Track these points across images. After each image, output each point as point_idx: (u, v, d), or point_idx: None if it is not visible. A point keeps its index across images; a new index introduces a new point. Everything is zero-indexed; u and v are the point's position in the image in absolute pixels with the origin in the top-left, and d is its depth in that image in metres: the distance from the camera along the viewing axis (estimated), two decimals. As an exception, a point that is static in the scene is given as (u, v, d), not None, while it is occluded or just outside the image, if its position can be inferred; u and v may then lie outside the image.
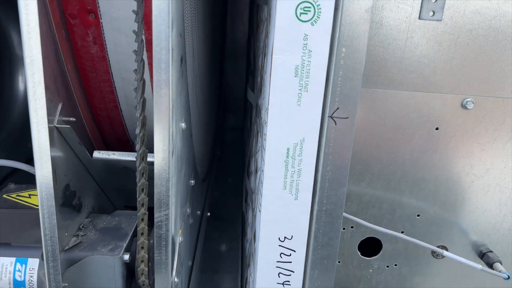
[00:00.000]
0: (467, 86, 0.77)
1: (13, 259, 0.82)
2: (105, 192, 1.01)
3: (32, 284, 0.81)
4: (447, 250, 0.86)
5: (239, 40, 2.43)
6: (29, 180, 1.38)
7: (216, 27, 1.65)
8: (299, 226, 0.70)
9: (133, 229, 0.87)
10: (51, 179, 0.67)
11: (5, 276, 0.81)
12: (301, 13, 0.59)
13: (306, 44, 0.60)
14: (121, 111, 0.88)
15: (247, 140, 1.61)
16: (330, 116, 0.64)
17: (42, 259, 0.80)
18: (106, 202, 1.04)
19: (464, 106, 0.77)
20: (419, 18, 0.72)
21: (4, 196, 0.84)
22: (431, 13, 0.72)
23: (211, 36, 1.42)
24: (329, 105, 0.63)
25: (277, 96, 0.63)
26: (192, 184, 1.00)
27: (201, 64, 1.13)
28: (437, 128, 0.79)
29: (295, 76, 0.62)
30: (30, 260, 0.81)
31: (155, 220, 0.70)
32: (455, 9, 0.72)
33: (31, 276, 0.81)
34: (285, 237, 0.70)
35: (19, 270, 0.81)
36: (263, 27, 1.02)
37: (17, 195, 0.84)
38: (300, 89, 0.62)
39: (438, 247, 0.87)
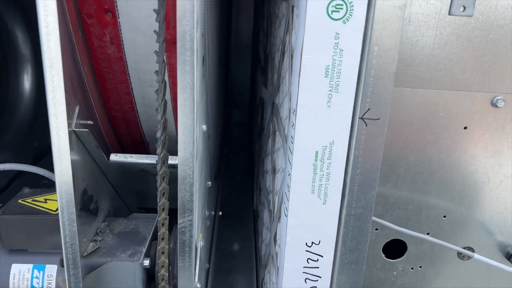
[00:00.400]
0: (498, 84, 0.74)
1: (31, 266, 0.80)
2: (121, 195, 0.99)
3: (50, 291, 0.79)
4: (473, 251, 0.84)
5: (244, 34, 2.40)
6: (36, 181, 1.37)
7: (222, 22, 1.62)
8: (327, 231, 0.68)
9: (151, 233, 0.85)
10: (72, 185, 0.65)
11: (23, 284, 0.79)
12: (332, 11, 0.56)
13: (338, 43, 0.58)
14: (137, 112, 0.86)
15: (257, 137, 1.59)
16: (361, 118, 0.62)
17: (61, 266, 0.78)
18: (121, 204, 1.03)
19: (494, 104, 0.75)
20: (449, 14, 0.69)
21: (20, 201, 0.82)
22: (462, 9, 0.69)
23: (219, 32, 1.40)
24: (360, 106, 0.61)
25: (306, 97, 0.60)
26: (209, 186, 0.98)
27: (212, 62, 1.11)
28: (465, 127, 0.77)
29: (325, 76, 0.59)
30: (48, 266, 0.80)
31: (178, 226, 0.68)
32: (487, 4, 0.69)
33: (49, 283, 0.79)
34: (312, 242, 0.68)
35: (36, 277, 0.79)
36: (280, 23, 0.99)
37: (33, 200, 0.82)
38: (330, 90, 0.60)
39: (464, 248, 0.85)
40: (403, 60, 0.72)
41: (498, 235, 0.85)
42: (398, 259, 0.86)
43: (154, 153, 0.90)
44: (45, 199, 0.82)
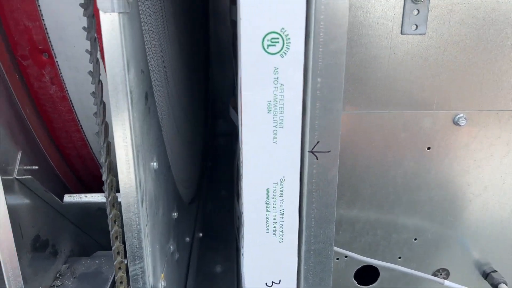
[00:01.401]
0: (458, 102, 0.71)
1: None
2: (87, 232, 0.96)
3: None
4: (448, 273, 0.81)
5: (225, 41, 2.36)
6: None
7: (196, 30, 1.58)
8: (287, 269, 0.64)
9: (113, 274, 0.82)
10: (12, 237, 0.61)
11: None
12: (268, 45, 0.53)
13: (277, 78, 0.55)
14: (91, 148, 0.83)
15: (236, 157, 1.54)
16: (311, 151, 0.59)
17: (16, 318, 0.74)
18: (89, 240, 0.99)
19: (456, 123, 0.72)
20: (401, 33, 0.66)
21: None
22: (414, 27, 0.66)
23: (190, 41, 1.36)
24: (309, 139, 0.58)
25: (251, 135, 0.57)
26: (175, 217, 0.95)
27: (178, 81, 1.07)
28: (429, 148, 0.74)
29: (268, 112, 0.56)
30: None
31: (130, 274, 0.65)
32: (440, 21, 0.66)
33: (6, 336, 0.75)
34: (272, 282, 0.65)
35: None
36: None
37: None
38: (275, 126, 0.57)
39: (439, 270, 0.81)
40: (357, 82, 0.69)
41: (473, 253, 0.82)
42: (371, 286, 0.83)
43: (103, 188, 0.87)
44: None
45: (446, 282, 0.72)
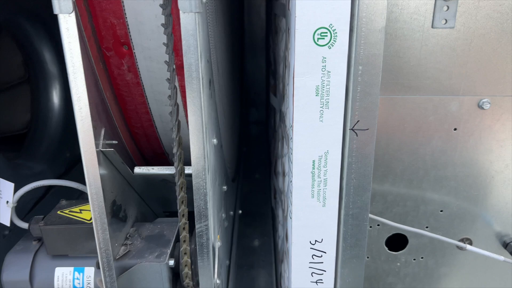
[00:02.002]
0: (483, 88, 0.79)
1: (72, 269, 0.91)
2: (146, 202, 1.10)
3: (89, 290, 0.90)
4: (471, 242, 0.90)
5: (257, 34, 2.45)
6: (70, 190, 1.50)
7: (234, 24, 1.70)
8: (328, 230, 0.75)
9: (174, 236, 0.95)
10: (102, 200, 0.75)
11: (66, 284, 0.90)
12: (318, 38, 0.64)
13: (325, 66, 0.65)
14: (156, 128, 0.95)
15: (272, 139, 1.67)
16: (352, 129, 0.69)
17: (97, 268, 0.89)
18: (147, 209, 1.13)
19: (480, 107, 0.80)
20: (432, 27, 0.75)
21: (59, 212, 0.93)
22: (444, 21, 0.75)
23: (231, 35, 1.48)
24: (350, 118, 0.68)
25: (301, 115, 0.68)
26: (225, 190, 1.07)
27: (225, 70, 1.19)
28: (455, 129, 0.83)
29: (316, 95, 0.67)
30: (86, 268, 0.91)
31: (196, 230, 0.77)
32: (467, 16, 0.75)
33: (89, 283, 0.90)
34: (316, 241, 0.76)
35: (77, 278, 0.90)
36: (282, 37, 1.07)
37: (70, 211, 0.93)
38: (321, 107, 0.67)
39: (463, 239, 0.91)
40: (392, 71, 0.78)
41: (495, 225, 0.90)
42: (400, 252, 0.93)
43: (173, 160, 1.00)
44: (80, 210, 0.93)
45: (469, 247, 0.81)
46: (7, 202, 0.92)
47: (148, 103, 0.89)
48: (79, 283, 0.90)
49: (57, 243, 0.90)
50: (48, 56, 1.75)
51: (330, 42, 0.64)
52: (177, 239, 0.96)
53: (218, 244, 0.88)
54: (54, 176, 1.68)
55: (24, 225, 0.93)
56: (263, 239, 1.56)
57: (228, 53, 1.30)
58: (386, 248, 0.92)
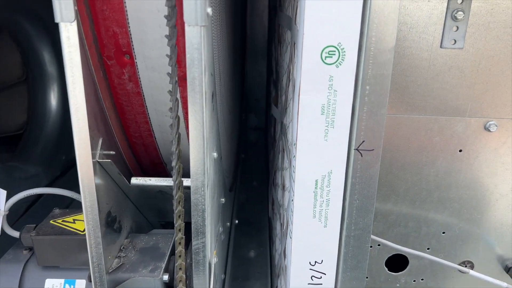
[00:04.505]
0: (490, 110, 0.78)
1: (62, 280, 0.88)
2: (142, 212, 1.07)
3: (80, 303, 0.88)
4: (473, 265, 0.88)
5: (259, 40, 2.44)
6: (62, 199, 1.47)
7: (238, 32, 1.68)
8: (329, 251, 0.73)
9: (169, 249, 0.93)
10: (97, 213, 0.72)
11: (56, 296, 0.88)
12: (326, 57, 0.62)
13: (332, 85, 0.63)
14: (155, 138, 0.93)
15: (271, 149, 1.65)
16: (356, 149, 0.67)
17: (89, 281, 0.86)
18: (143, 219, 1.11)
19: (487, 129, 0.79)
20: (441, 47, 0.74)
21: (51, 222, 0.91)
22: (453, 42, 0.74)
23: (234, 43, 1.46)
24: (355, 138, 0.66)
25: (305, 133, 0.66)
26: (223, 202, 1.05)
27: (226, 79, 1.17)
28: (460, 150, 0.82)
29: (321, 114, 0.65)
30: (77, 281, 0.88)
31: (193, 247, 0.75)
32: (477, 37, 0.74)
33: (80, 296, 0.88)
34: (315, 262, 0.74)
35: (68, 291, 0.88)
36: (286, 48, 1.05)
37: (63, 221, 0.90)
38: (326, 126, 0.66)
39: (464, 262, 0.89)
40: (399, 90, 0.77)
41: (497, 249, 0.89)
42: (400, 272, 0.91)
43: (171, 172, 0.98)
44: (74, 220, 0.91)
45: (472, 272, 0.80)
46: (-1, 209, 0.89)
47: (148, 113, 0.87)
48: (70, 296, 0.88)
49: (49, 254, 0.88)
50: (47, 57, 1.73)
51: (338, 61, 0.62)
52: (172, 252, 0.93)
53: (214, 260, 0.86)
54: (49, 179, 1.65)
55: (15, 234, 0.91)
56: (259, 249, 1.53)
57: (230, 61, 1.28)
58: (386, 269, 0.90)
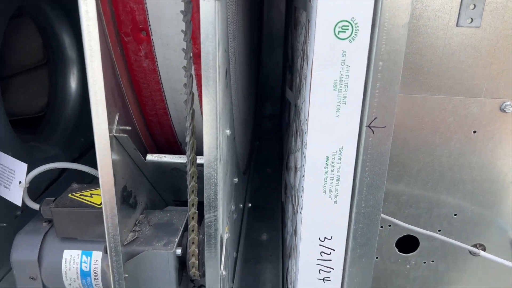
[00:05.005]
0: (506, 90, 0.77)
1: (79, 252, 0.91)
2: (157, 189, 1.10)
3: (96, 274, 0.91)
4: (484, 248, 0.88)
5: (276, 28, 2.44)
6: (82, 174, 1.51)
7: (254, 18, 1.68)
8: (339, 228, 0.74)
9: (183, 225, 0.95)
10: (113, 185, 0.75)
11: (73, 267, 0.91)
12: (339, 31, 0.62)
13: (345, 60, 0.64)
14: (170, 116, 0.95)
15: (285, 134, 1.66)
16: (368, 126, 0.68)
17: (105, 252, 0.89)
18: (157, 197, 1.13)
19: (502, 110, 0.78)
20: (457, 26, 0.73)
21: (69, 195, 0.93)
22: (469, 20, 0.73)
23: (250, 29, 1.47)
24: (367, 115, 0.67)
25: (317, 109, 0.67)
26: (236, 182, 1.07)
27: (242, 62, 1.18)
28: (474, 131, 0.81)
29: (333, 89, 0.66)
30: (94, 253, 0.91)
31: (205, 220, 0.77)
32: (494, 15, 0.72)
33: (96, 267, 0.91)
34: (325, 237, 0.75)
35: (85, 262, 0.91)
36: (301, 30, 1.05)
37: (81, 195, 0.93)
38: (338, 102, 0.66)
39: (476, 245, 0.89)
40: (413, 69, 0.76)
41: (509, 232, 0.88)
42: (410, 254, 0.91)
43: (185, 149, 0.99)
44: (91, 194, 0.94)
45: (482, 253, 0.80)
46: (20, 182, 0.92)
47: (164, 91, 0.89)
48: (86, 267, 0.91)
49: (67, 226, 0.91)
50: (67, 41, 1.77)
51: (351, 36, 0.62)
52: (186, 228, 0.95)
53: (226, 235, 0.88)
54: (68, 161, 1.69)
55: (35, 206, 0.94)
56: (271, 233, 1.55)
57: (246, 46, 1.29)
58: (396, 250, 0.90)
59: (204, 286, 1.00)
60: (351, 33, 0.62)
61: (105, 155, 0.72)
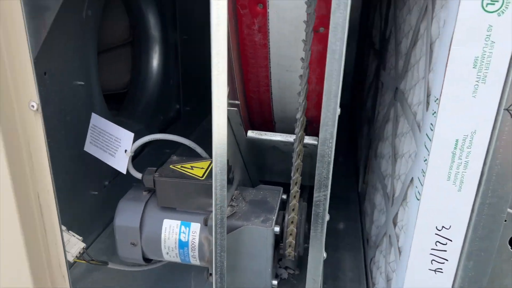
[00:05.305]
0: None
1: (179, 222, 0.93)
2: (247, 169, 1.10)
3: (194, 245, 0.92)
4: None
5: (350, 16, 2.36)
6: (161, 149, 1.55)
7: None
8: (459, 217, 0.70)
9: (278, 203, 0.94)
10: (226, 156, 0.74)
11: (172, 236, 0.93)
12: (487, 4, 0.57)
13: (490, 35, 0.59)
14: (272, 94, 0.94)
15: (365, 121, 1.60)
16: (506, 109, 0.62)
17: (204, 224, 0.91)
18: (246, 177, 1.13)
19: None
20: None
21: (171, 166, 0.96)
22: None
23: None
24: (507, 97, 0.62)
25: (452, 87, 0.63)
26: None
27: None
28: None
29: (473, 67, 0.61)
30: (192, 224, 0.93)
31: (314, 199, 0.75)
32: None
33: (194, 238, 0.92)
34: (443, 227, 0.71)
35: (183, 232, 0.93)
36: (409, 10, 1.00)
37: (182, 166, 0.95)
38: (477, 81, 0.61)
39: None
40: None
41: None
42: (525, 253, 0.84)
43: (279, 131, 0.98)
44: (192, 166, 0.95)
45: None
46: (125, 151, 0.96)
47: (270, 67, 0.88)
48: (184, 237, 0.93)
49: (168, 196, 0.93)
50: (152, 21, 1.81)
51: (501, 9, 0.57)
52: (280, 208, 0.95)
53: (327, 217, 0.86)
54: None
55: (138, 175, 0.97)
56: (347, 223, 1.52)
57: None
58: (509, 247, 0.84)
59: (290, 268, 0.99)
60: (501, 5, 0.57)
61: (221, 125, 0.72)
